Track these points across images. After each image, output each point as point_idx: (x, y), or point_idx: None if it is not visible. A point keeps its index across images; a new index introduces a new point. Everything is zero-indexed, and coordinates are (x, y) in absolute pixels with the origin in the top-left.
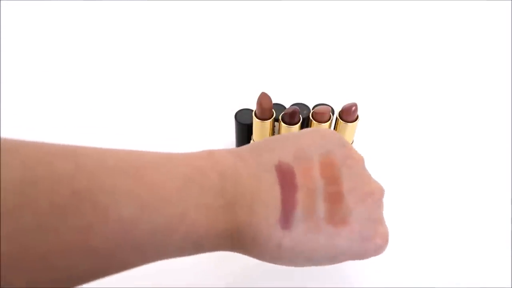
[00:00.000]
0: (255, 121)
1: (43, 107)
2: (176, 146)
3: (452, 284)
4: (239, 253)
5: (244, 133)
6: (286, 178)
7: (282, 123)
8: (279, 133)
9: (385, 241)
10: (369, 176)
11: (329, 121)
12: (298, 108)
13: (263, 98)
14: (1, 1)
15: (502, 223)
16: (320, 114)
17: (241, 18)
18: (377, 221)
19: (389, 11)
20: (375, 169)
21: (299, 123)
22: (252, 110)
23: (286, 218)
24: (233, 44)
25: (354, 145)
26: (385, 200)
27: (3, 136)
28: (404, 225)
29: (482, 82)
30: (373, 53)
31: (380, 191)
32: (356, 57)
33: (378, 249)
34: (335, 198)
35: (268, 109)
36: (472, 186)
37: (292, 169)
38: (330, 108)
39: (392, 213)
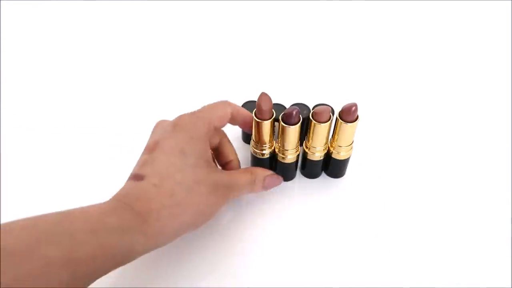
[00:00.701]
0: (255, 121)
1: (43, 107)
2: None
3: (452, 284)
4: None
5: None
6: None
7: (282, 123)
8: (279, 133)
9: None
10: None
11: (329, 121)
12: (298, 108)
13: (263, 99)
14: (1, 1)
15: (502, 223)
16: (320, 114)
17: (243, 17)
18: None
19: (390, 11)
20: (376, 168)
21: (299, 123)
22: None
23: (134, 176)
24: (235, 43)
25: (354, 145)
26: (386, 200)
27: (3, 136)
28: (405, 225)
29: (483, 81)
30: (373, 53)
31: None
32: (356, 57)
33: None
34: (146, 147)
35: (267, 111)
36: (472, 186)
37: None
38: (330, 108)
39: (392, 212)
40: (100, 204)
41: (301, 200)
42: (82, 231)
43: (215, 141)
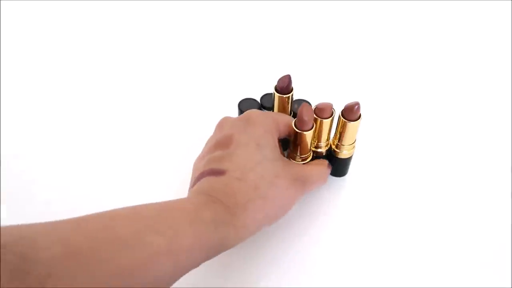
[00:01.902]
0: (297, 132)
1: (43, 107)
2: (181, 136)
3: (452, 284)
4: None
5: None
6: (204, 174)
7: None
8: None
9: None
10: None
11: (331, 117)
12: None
13: (304, 109)
14: (1, 1)
15: (503, 223)
16: (321, 109)
17: (245, 15)
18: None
19: (393, 11)
20: (378, 167)
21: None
22: (255, 99)
23: (216, 172)
24: (237, 41)
25: (357, 144)
26: (389, 198)
27: (3, 136)
28: (407, 224)
29: (483, 81)
30: (377, 52)
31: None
32: (360, 55)
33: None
34: (217, 143)
35: (308, 121)
36: (475, 185)
37: (201, 172)
38: (331, 105)
39: (395, 211)
40: (190, 198)
41: (304, 199)
42: (182, 223)
43: (279, 137)
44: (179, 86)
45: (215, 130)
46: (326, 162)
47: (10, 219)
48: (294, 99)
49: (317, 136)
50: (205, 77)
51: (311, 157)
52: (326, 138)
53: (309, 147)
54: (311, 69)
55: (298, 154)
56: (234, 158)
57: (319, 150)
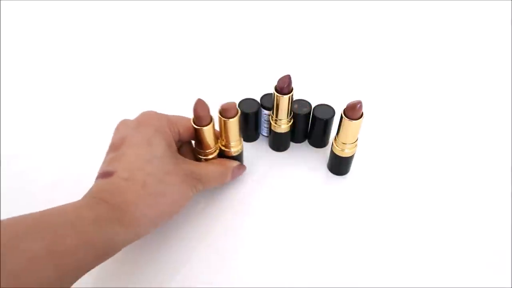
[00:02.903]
0: (196, 128)
1: (43, 107)
2: None
3: (452, 284)
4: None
5: (246, 120)
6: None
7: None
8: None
9: None
10: None
11: (237, 117)
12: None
13: (198, 105)
14: (1, 1)
15: (503, 223)
16: (225, 109)
17: (245, 15)
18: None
19: (393, 10)
20: (380, 166)
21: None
22: (255, 99)
23: (103, 174)
24: (237, 41)
25: (359, 143)
26: (390, 197)
27: (3, 136)
28: (409, 223)
29: (484, 80)
30: (377, 52)
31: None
32: (360, 56)
33: None
34: (111, 145)
35: (204, 116)
36: (477, 184)
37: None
38: (235, 104)
39: (396, 210)
40: (75, 201)
41: (305, 198)
42: (62, 225)
43: (177, 139)
44: (179, 86)
45: (113, 133)
46: (230, 162)
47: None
48: (294, 99)
49: (225, 137)
50: (205, 77)
51: (215, 153)
52: (236, 138)
53: (211, 143)
54: (311, 69)
55: (203, 150)
56: (123, 158)
57: (227, 150)
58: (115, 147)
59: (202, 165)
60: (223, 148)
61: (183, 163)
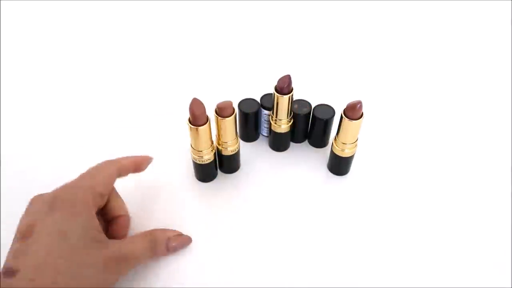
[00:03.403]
0: (192, 128)
1: (43, 107)
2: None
3: (452, 284)
4: None
5: (246, 120)
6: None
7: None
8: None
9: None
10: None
11: (233, 116)
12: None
13: (194, 104)
14: (1, 1)
15: (503, 223)
16: (221, 108)
17: (245, 15)
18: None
19: (393, 10)
20: (380, 166)
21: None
22: (255, 100)
23: (4, 271)
24: (237, 41)
25: (359, 143)
26: (390, 197)
27: (3, 136)
28: (409, 223)
29: (483, 80)
30: (378, 51)
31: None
32: (360, 56)
33: None
34: (18, 233)
35: (199, 115)
36: (477, 184)
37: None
38: (231, 103)
39: (397, 210)
40: None
41: (305, 198)
42: None
43: (102, 201)
44: (179, 87)
45: (24, 213)
46: (163, 232)
47: (10, 219)
48: (294, 99)
49: (221, 136)
50: (205, 77)
51: (212, 153)
52: (233, 137)
53: (207, 143)
54: (311, 69)
55: (199, 149)
56: (30, 253)
57: (224, 149)
58: (22, 235)
59: (126, 243)
60: (219, 147)
61: (104, 247)
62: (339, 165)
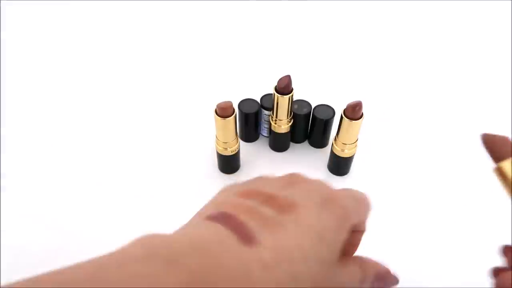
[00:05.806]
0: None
1: (43, 107)
2: (181, 137)
3: (452, 284)
4: None
5: (246, 120)
6: (219, 217)
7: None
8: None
9: (348, 197)
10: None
11: (233, 116)
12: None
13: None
14: (1, 1)
15: (503, 223)
16: (222, 108)
17: (246, 15)
18: (323, 187)
19: (393, 10)
20: (380, 166)
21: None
22: (255, 100)
23: (243, 233)
24: (238, 42)
25: (359, 143)
26: (390, 198)
27: (3, 136)
28: (409, 223)
29: (483, 80)
30: (378, 52)
31: (298, 174)
32: (360, 56)
33: (350, 206)
34: (270, 199)
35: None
36: (477, 183)
37: (222, 211)
38: (231, 103)
39: (397, 211)
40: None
41: None
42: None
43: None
44: (179, 87)
45: (284, 175)
46: (366, 262)
47: (10, 219)
48: (294, 99)
49: (222, 135)
50: (205, 77)
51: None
52: (233, 137)
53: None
54: (311, 69)
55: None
56: (283, 232)
57: (224, 149)
58: (282, 204)
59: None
60: (219, 147)
61: (334, 276)
62: (339, 165)
